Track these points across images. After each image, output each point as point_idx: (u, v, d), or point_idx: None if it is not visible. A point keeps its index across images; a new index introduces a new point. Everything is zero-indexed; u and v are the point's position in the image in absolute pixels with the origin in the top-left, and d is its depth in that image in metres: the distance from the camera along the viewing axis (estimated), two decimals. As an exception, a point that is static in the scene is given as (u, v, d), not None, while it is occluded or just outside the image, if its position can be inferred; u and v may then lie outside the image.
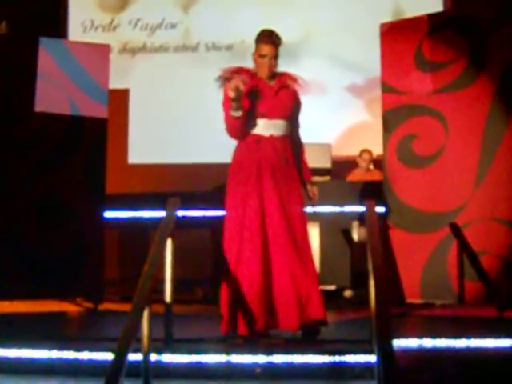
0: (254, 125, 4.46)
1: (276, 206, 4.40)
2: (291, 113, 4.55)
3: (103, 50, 6.52)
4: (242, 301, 4.27)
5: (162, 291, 4.10)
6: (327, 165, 7.16)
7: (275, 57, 4.47)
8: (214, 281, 6.88)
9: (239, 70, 4.49)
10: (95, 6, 9.58)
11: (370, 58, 7.18)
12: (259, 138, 4.46)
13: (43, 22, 8.88)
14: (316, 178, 7.11)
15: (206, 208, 6.74)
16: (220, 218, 6.84)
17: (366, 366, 3.84)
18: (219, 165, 8.73)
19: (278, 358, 3.92)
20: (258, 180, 4.42)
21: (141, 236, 6.98)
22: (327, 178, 7.18)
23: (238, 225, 4.38)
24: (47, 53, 6.32)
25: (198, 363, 3.94)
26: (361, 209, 6.23)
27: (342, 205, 6.67)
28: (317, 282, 4.42)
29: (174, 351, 3.96)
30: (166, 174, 8.88)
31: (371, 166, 8.06)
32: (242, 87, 4.20)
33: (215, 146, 8.99)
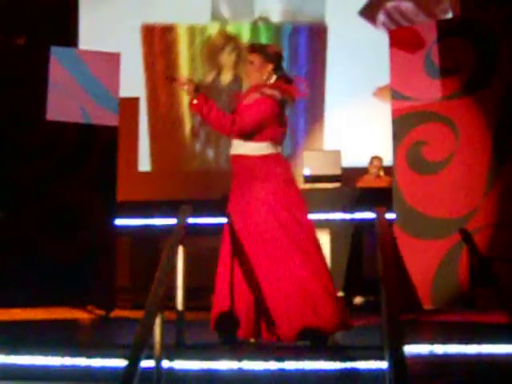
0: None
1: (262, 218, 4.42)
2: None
3: (114, 58, 6.55)
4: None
5: (173, 298, 4.13)
6: (337, 171, 7.17)
7: (252, 62, 4.52)
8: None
9: None
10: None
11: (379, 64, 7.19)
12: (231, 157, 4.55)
13: (54, 31, 8.93)
14: (326, 185, 7.15)
15: (217, 215, 6.76)
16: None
17: (378, 373, 3.84)
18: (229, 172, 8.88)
19: (290, 365, 3.93)
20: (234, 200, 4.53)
21: (152, 243, 6.99)
22: (337, 184, 7.20)
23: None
24: (58, 62, 6.37)
25: (210, 370, 3.95)
26: (371, 215, 6.23)
27: (352, 211, 6.68)
28: (325, 289, 4.39)
29: (185, 358, 3.97)
30: (177, 181, 8.91)
31: (381, 173, 8.06)
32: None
33: (225, 154, 9.13)
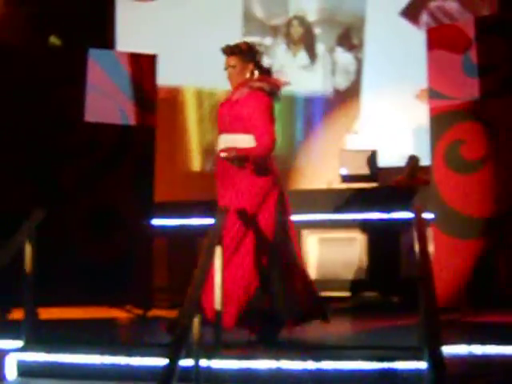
0: None
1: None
2: (231, 125, 4.51)
3: (150, 59, 6.61)
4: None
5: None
6: (374, 171, 7.15)
7: (234, 66, 4.55)
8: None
9: None
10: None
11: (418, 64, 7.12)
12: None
13: (91, 33, 9.01)
14: (363, 185, 7.13)
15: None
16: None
17: (416, 373, 3.83)
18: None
19: (328, 365, 3.93)
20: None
21: (189, 243, 7.03)
22: (374, 184, 7.18)
23: None
24: (96, 63, 6.44)
25: (248, 369, 3.97)
26: (408, 215, 6.21)
27: (388, 211, 6.65)
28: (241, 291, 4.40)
29: (223, 357, 4.00)
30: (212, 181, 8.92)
31: (418, 172, 8.01)
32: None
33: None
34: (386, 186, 7.41)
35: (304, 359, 3.94)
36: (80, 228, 6.18)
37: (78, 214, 6.19)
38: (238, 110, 4.49)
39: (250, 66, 4.58)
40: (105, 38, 9.32)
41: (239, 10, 9.54)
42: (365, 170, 7.08)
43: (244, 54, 4.57)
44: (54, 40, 8.08)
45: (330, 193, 7.14)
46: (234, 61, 4.56)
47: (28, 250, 4.39)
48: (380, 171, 7.25)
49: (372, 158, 7.21)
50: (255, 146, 4.44)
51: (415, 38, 8.27)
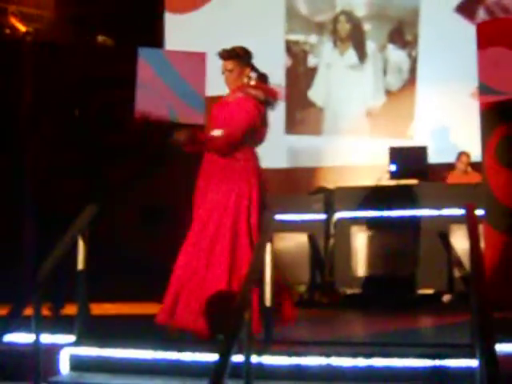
0: None
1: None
2: (220, 126, 4.62)
3: (200, 57, 6.63)
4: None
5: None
6: (424, 167, 7.09)
7: (231, 70, 4.70)
8: (312, 284, 6.94)
9: None
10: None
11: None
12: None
13: (140, 32, 9.10)
14: (413, 181, 7.08)
15: (302, 212, 6.81)
16: (317, 222, 6.91)
17: (468, 371, 3.80)
18: (312, 169, 8.87)
19: (378, 362, 3.92)
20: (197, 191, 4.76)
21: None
22: (423, 180, 7.12)
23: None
24: (146, 62, 6.48)
25: (298, 365, 3.98)
26: (459, 212, 6.15)
27: (439, 207, 6.60)
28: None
29: (274, 353, 4.01)
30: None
31: (469, 169, 7.93)
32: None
33: (308, 151, 9.07)
34: (436, 183, 7.33)
35: (354, 356, 3.94)
36: (131, 225, 6.26)
37: (130, 212, 6.27)
38: (228, 112, 4.62)
39: (247, 70, 4.69)
40: (154, 36, 9.39)
41: (282, 7, 9.11)
42: (415, 166, 7.03)
43: (241, 59, 4.68)
44: (103, 39, 8.17)
45: (378, 189, 7.09)
46: (231, 65, 4.69)
47: (81, 246, 4.46)
48: (430, 167, 7.19)
49: (422, 154, 7.15)
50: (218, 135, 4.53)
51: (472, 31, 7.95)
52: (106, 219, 6.16)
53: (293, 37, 9.05)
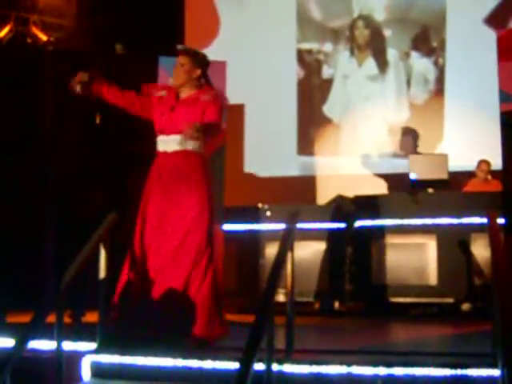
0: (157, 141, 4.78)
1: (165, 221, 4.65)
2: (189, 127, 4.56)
3: (220, 66, 6.67)
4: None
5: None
6: (444, 176, 7.07)
7: (183, 64, 4.75)
8: (331, 293, 6.93)
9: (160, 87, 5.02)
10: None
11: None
12: (157, 154, 4.76)
13: (161, 41, 9.15)
14: (433, 190, 7.06)
15: (322, 220, 6.81)
16: (336, 231, 6.91)
17: (489, 380, 3.78)
18: (332, 176, 8.83)
19: (399, 371, 3.91)
20: (150, 194, 4.73)
21: (259, 248, 7.07)
22: (444, 188, 7.11)
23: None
24: (166, 71, 6.53)
25: (319, 374, 3.98)
26: (480, 220, 6.13)
27: (459, 216, 6.58)
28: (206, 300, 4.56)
29: (295, 362, 4.01)
30: (279, 186, 8.92)
31: (489, 177, 7.90)
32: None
33: (327, 159, 8.92)
34: (456, 191, 7.31)
35: (375, 365, 3.93)
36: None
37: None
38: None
39: (197, 72, 4.79)
40: (174, 46, 9.42)
41: (293, 12, 8.47)
42: (434, 175, 7.00)
43: (196, 59, 4.80)
44: (119, 48, 8.21)
45: (399, 197, 7.07)
46: (184, 60, 4.77)
47: (102, 253, 4.49)
48: (450, 176, 7.16)
49: (442, 162, 7.12)
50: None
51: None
52: (126, 227, 6.20)
53: (305, 45, 8.44)
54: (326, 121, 8.39)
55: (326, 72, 8.34)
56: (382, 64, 8.10)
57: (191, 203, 4.62)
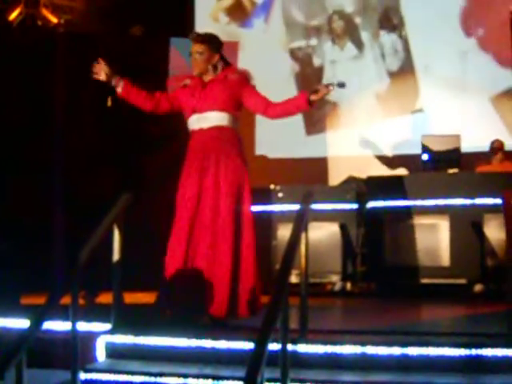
0: (190, 121, 4.77)
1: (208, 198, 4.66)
2: (225, 103, 4.65)
3: (232, 46, 6.65)
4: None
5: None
6: (456, 156, 7.04)
7: (201, 53, 4.71)
8: (344, 274, 6.93)
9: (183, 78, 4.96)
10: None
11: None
12: (191, 132, 4.74)
13: (171, 22, 9.11)
14: (445, 170, 7.04)
15: (334, 201, 6.80)
16: (348, 212, 6.90)
17: (504, 360, 3.79)
18: (343, 158, 8.84)
19: (413, 351, 3.91)
20: (191, 173, 4.71)
21: (270, 229, 7.06)
22: (456, 169, 7.08)
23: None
24: (178, 52, 6.51)
25: (333, 354, 3.98)
26: (493, 201, 6.11)
27: (472, 197, 6.54)
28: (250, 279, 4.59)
29: (309, 342, 4.02)
30: (290, 167, 8.93)
31: (502, 157, 7.84)
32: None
33: (340, 140, 9.06)
34: (469, 172, 7.26)
35: (390, 345, 3.93)
36: (165, 214, 6.27)
37: (163, 201, 6.28)
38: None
39: (216, 58, 4.77)
40: (185, 26, 9.39)
41: (280, 20, 9.60)
42: (447, 155, 6.98)
43: (213, 45, 4.76)
44: (135, 30, 8.20)
45: (411, 178, 7.05)
46: (202, 48, 4.73)
47: (116, 234, 4.49)
48: (463, 156, 7.13)
49: (454, 142, 7.10)
50: None
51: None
52: (139, 208, 6.21)
53: (295, 44, 9.60)
54: (325, 102, 9.05)
55: (316, 61, 9.47)
56: (359, 45, 9.37)
57: (231, 179, 4.65)
